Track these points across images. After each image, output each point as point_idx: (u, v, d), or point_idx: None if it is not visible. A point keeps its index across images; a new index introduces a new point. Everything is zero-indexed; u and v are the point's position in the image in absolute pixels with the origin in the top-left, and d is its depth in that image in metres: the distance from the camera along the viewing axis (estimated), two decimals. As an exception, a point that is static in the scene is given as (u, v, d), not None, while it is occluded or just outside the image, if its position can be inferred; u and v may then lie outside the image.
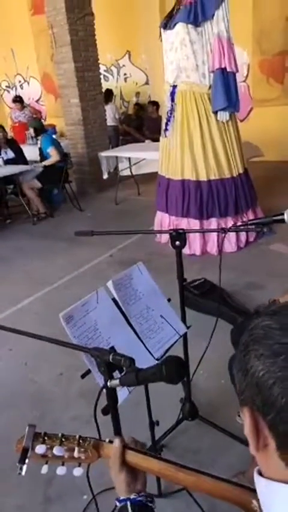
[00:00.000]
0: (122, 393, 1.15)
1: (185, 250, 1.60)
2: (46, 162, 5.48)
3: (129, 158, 5.93)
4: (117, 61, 8.48)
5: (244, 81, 7.10)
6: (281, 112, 6.77)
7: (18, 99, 7.73)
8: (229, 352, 1.76)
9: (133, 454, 0.79)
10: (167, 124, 3.86)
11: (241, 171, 3.91)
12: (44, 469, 0.79)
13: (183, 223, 3.94)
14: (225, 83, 3.51)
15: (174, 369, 0.78)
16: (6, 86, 10.42)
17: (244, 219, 3.98)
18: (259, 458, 0.52)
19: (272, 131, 6.54)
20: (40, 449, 0.79)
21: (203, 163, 3.75)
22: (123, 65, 8.49)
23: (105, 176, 6.02)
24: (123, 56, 8.37)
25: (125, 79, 8.62)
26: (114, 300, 1.33)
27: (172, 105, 3.75)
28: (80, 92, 5.93)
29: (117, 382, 0.86)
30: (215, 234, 3.86)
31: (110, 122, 7.04)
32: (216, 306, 2.76)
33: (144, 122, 7.92)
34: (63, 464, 0.81)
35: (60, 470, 0.79)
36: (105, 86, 6.90)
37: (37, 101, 9.75)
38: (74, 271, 3.87)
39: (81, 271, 3.88)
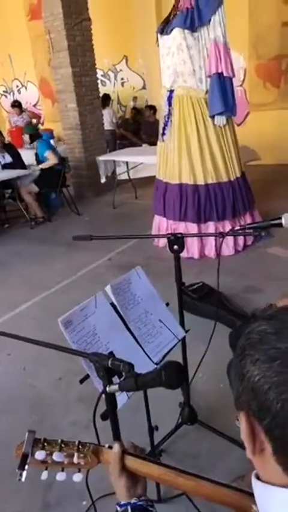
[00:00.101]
0: (121, 398, 1.15)
1: (183, 254, 1.60)
2: (43, 165, 5.49)
3: (126, 162, 5.95)
4: (115, 66, 8.52)
5: (241, 85, 7.15)
6: (277, 116, 6.81)
7: (16, 104, 7.76)
8: (227, 356, 1.76)
9: (132, 459, 0.79)
10: (164, 128, 3.88)
11: (238, 174, 3.93)
12: (44, 475, 0.79)
13: (181, 227, 3.95)
14: (222, 88, 3.53)
15: (174, 374, 0.78)
16: (3, 91, 10.46)
17: (242, 223, 3.99)
18: (256, 463, 0.52)
19: (269, 135, 6.58)
20: (40, 455, 0.78)
21: (201, 167, 3.77)
22: (121, 70, 8.53)
23: (102, 180, 6.03)
24: (120, 60, 8.42)
25: (122, 84, 8.65)
26: (112, 304, 1.33)
27: (169, 110, 3.77)
28: (77, 97, 5.96)
29: (116, 387, 0.86)
30: (212, 238, 3.87)
31: (107, 126, 7.07)
32: (214, 310, 2.76)
33: (141, 126, 7.96)
34: (63, 470, 0.80)
35: (60, 476, 0.79)
36: (102, 90, 6.93)
37: (34, 106, 9.78)
38: (72, 275, 3.87)
39: (79, 275, 3.88)
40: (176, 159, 3.84)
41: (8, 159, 5.56)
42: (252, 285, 3.28)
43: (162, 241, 4.09)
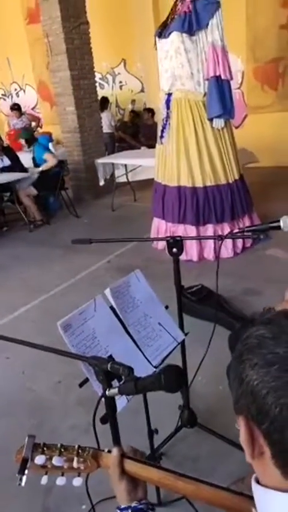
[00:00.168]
0: (121, 402, 1.15)
1: (182, 256, 1.61)
2: (43, 167, 5.49)
3: (125, 165, 5.96)
4: (113, 69, 8.55)
5: (238, 88, 7.17)
6: (275, 118, 6.83)
7: (16, 107, 7.76)
8: (227, 358, 1.74)
9: (132, 463, 0.79)
10: (162, 131, 3.89)
11: (237, 177, 3.94)
12: (44, 479, 0.79)
13: (180, 229, 3.95)
14: (220, 91, 3.54)
15: (173, 377, 0.78)
16: (2, 94, 10.48)
17: (240, 225, 4.00)
18: (255, 466, 0.52)
19: (267, 137, 6.60)
20: (39, 459, 0.78)
21: (199, 169, 3.78)
22: (119, 73, 8.55)
23: (101, 183, 6.03)
24: (118, 64, 8.44)
25: (121, 87, 8.68)
26: (112, 307, 1.33)
27: (167, 113, 3.78)
28: (75, 100, 5.97)
29: (115, 391, 0.86)
30: (211, 240, 3.88)
31: (105, 129, 7.09)
32: (213, 312, 2.76)
33: (139, 129, 7.98)
34: (62, 475, 0.80)
35: (60, 481, 0.79)
36: (100, 93, 6.95)
37: (33, 109, 9.80)
38: (71, 278, 3.86)
39: (78, 278, 3.88)
40: (174, 162, 3.85)
41: (7, 162, 5.56)
42: (252, 287, 3.28)
43: (161, 244, 4.10)
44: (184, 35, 3.47)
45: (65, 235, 4.91)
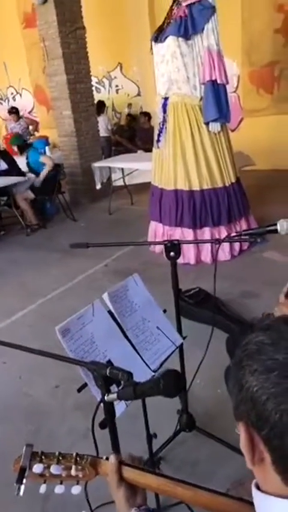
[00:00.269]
0: (120, 407, 1.14)
1: (180, 260, 1.61)
2: (44, 173, 5.46)
3: (122, 168, 5.97)
4: (109, 73, 8.58)
5: (234, 91, 7.21)
6: (271, 122, 6.87)
7: (14, 111, 7.76)
8: (225, 361, 1.76)
9: (130, 470, 0.78)
10: (159, 135, 3.90)
11: (233, 180, 3.95)
12: (42, 488, 0.79)
13: (177, 232, 3.96)
14: (216, 95, 3.56)
15: (172, 382, 0.78)
16: (-2, 98, 10.50)
17: (237, 228, 4.01)
18: (256, 472, 0.52)
19: (263, 141, 6.63)
20: (38, 468, 0.78)
21: (196, 173, 3.79)
22: (115, 77, 8.58)
23: (98, 186, 6.04)
24: (114, 68, 8.47)
25: (117, 91, 8.71)
26: (110, 312, 1.33)
27: (164, 117, 3.79)
28: (72, 104, 5.98)
29: (114, 396, 0.86)
30: (208, 243, 3.88)
31: (102, 132, 7.10)
32: (211, 315, 2.76)
33: (136, 133, 8.00)
34: (61, 483, 0.80)
35: (59, 489, 0.79)
36: (97, 97, 6.97)
37: (29, 113, 9.81)
38: (68, 282, 3.86)
39: (75, 282, 3.87)
40: (171, 165, 3.86)
41: (4, 166, 5.56)
42: (249, 290, 3.28)
43: (159, 247, 4.10)
44: (180, 39, 3.49)
45: (62, 239, 4.91)
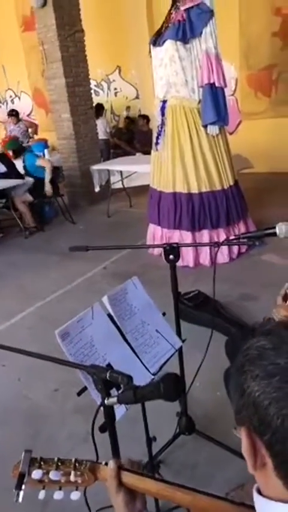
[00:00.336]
0: (120, 410, 1.14)
1: (178, 262, 1.61)
2: (48, 176, 5.42)
3: (120, 171, 5.98)
4: (108, 76, 8.60)
5: (232, 94, 7.24)
6: (268, 125, 6.89)
7: (14, 113, 7.76)
8: (224, 364, 1.76)
9: (129, 475, 0.78)
10: (158, 138, 3.91)
11: (232, 183, 3.97)
12: (41, 494, 0.79)
13: (176, 235, 3.96)
14: (214, 98, 3.58)
15: (172, 386, 0.78)
16: (-3, 101, 10.51)
17: (236, 231, 4.02)
18: (257, 477, 0.52)
19: (260, 144, 6.66)
20: (37, 474, 0.78)
21: (194, 176, 3.80)
22: (114, 80, 8.61)
23: (97, 189, 6.05)
24: (113, 71, 8.50)
25: (116, 93, 8.73)
26: (109, 315, 1.33)
27: (162, 120, 3.81)
28: (71, 107, 6.00)
29: (114, 400, 0.86)
30: (207, 246, 3.89)
31: (101, 135, 7.12)
32: (210, 318, 2.76)
33: (134, 135, 8.02)
34: (60, 489, 0.80)
35: (58, 495, 0.79)
36: (95, 100, 6.98)
37: (28, 116, 9.82)
38: (67, 284, 3.85)
39: (74, 284, 3.87)
40: (169, 168, 3.87)
41: (2, 168, 5.56)
42: (248, 293, 3.29)
43: (157, 250, 4.11)
44: (178, 43, 3.50)
45: (61, 242, 4.91)
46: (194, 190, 3.84)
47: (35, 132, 8.09)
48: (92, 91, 6.50)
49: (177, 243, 1.60)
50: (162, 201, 4.03)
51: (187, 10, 3.48)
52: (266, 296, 3.10)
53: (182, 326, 1.71)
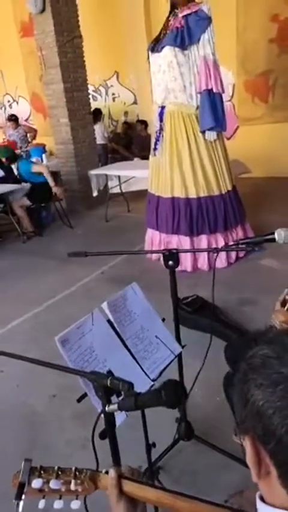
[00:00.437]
0: (120, 416, 1.14)
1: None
2: (50, 180, 5.40)
3: (118, 176, 5.99)
4: (106, 81, 8.64)
5: (230, 100, 7.29)
6: (266, 130, 6.94)
7: (13, 118, 7.77)
8: (223, 369, 1.76)
9: (130, 483, 0.78)
10: (156, 143, 3.93)
11: (229, 188, 3.98)
12: (41, 503, 0.78)
13: (174, 240, 3.97)
14: (212, 104, 3.60)
15: (174, 393, 0.78)
16: (-5, 106, 10.54)
17: (234, 235, 4.03)
18: (261, 486, 0.52)
19: (258, 149, 6.69)
20: (37, 483, 0.77)
21: (192, 181, 3.81)
22: (112, 85, 8.65)
23: (95, 194, 6.06)
24: (111, 76, 8.54)
25: (113, 99, 8.76)
26: (109, 321, 1.33)
27: (161, 125, 3.83)
28: (69, 112, 6.02)
29: (115, 407, 0.86)
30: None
31: (99, 140, 7.14)
32: (208, 323, 2.76)
33: (132, 140, 8.05)
34: (60, 498, 0.79)
35: (58, 504, 0.78)
36: (93, 105, 7.01)
37: (26, 120, 9.84)
38: (65, 289, 3.85)
39: (72, 289, 3.86)
40: (168, 173, 3.89)
41: (0, 173, 5.56)
42: (247, 298, 3.29)
43: (156, 254, 4.11)
44: (177, 49, 3.53)
45: (59, 247, 4.91)
46: (192, 195, 3.85)
47: (34, 138, 8.10)
48: (90, 96, 6.53)
49: (176, 249, 1.60)
50: (161, 206, 4.04)
51: (185, 17, 3.51)
52: (264, 301, 3.10)
53: (180, 331, 1.71)
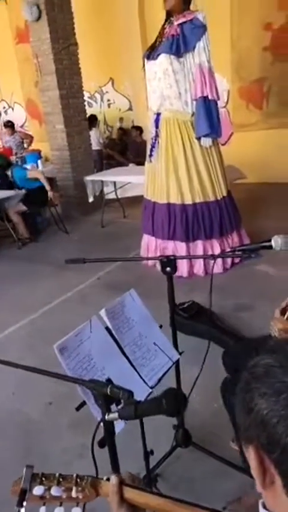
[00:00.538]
0: (119, 424, 1.13)
1: (173, 273, 1.62)
2: (46, 184, 5.40)
3: (114, 182, 6.00)
4: (101, 88, 8.69)
5: (224, 107, 7.35)
6: (260, 136, 7.01)
7: (9, 124, 7.77)
8: (220, 375, 1.76)
9: (131, 490, 0.78)
10: (151, 149, 3.95)
11: (225, 194, 4.00)
12: (42, 510, 0.78)
13: (170, 245, 3.98)
14: (208, 111, 3.63)
15: (174, 401, 0.78)
16: (-10, 112, 10.54)
17: (229, 241, 4.05)
18: (266, 495, 0.52)
19: (252, 154, 6.75)
20: (38, 490, 0.77)
21: (188, 187, 3.84)
22: (107, 92, 8.70)
23: (90, 200, 6.06)
24: (106, 83, 8.59)
25: (109, 105, 8.81)
26: (107, 328, 1.33)
27: (156, 132, 3.85)
28: (65, 118, 6.04)
29: (116, 415, 0.86)
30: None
31: (94, 146, 7.16)
32: (205, 328, 2.77)
33: (128, 146, 8.08)
34: (61, 505, 0.79)
35: (58, 511, 0.78)
36: (89, 111, 7.04)
37: (21, 126, 9.86)
38: (61, 295, 3.83)
39: (68, 295, 3.85)
40: (163, 179, 3.90)
41: (-5, 179, 5.55)
42: (243, 303, 3.30)
43: (151, 260, 4.11)
44: (172, 56, 3.56)
45: (55, 253, 4.90)
46: (188, 201, 3.87)
47: (30, 144, 8.09)
48: (86, 103, 6.56)
49: (174, 255, 1.61)
50: (157, 211, 4.06)
51: (181, 25, 3.54)
52: (261, 307, 3.12)
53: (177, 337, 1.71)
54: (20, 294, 4.01)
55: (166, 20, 3.70)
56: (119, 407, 0.91)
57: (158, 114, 3.80)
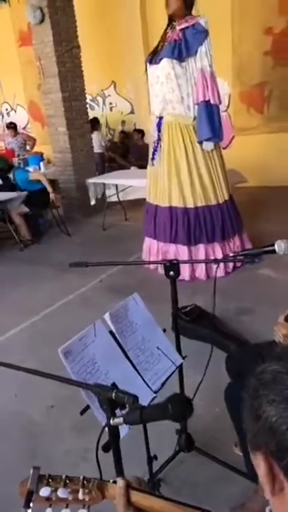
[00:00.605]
0: (123, 429, 1.14)
1: (174, 276, 1.62)
2: (47, 186, 5.40)
3: (116, 185, 6.02)
4: (103, 91, 8.72)
5: (225, 110, 7.37)
6: (261, 140, 7.02)
7: (12, 126, 7.79)
8: (223, 380, 1.76)
9: (137, 494, 0.78)
10: (154, 153, 3.96)
11: (226, 197, 4.01)
12: None
13: (172, 249, 3.99)
14: (209, 115, 3.64)
15: (180, 407, 0.78)
16: (-8, 114, 10.57)
17: (231, 245, 4.05)
18: (274, 502, 0.52)
19: (253, 158, 6.76)
20: (45, 491, 0.77)
21: (190, 190, 3.84)
22: (109, 95, 8.73)
23: (92, 202, 6.08)
24: (108, 86, 8.62)
25: (111, 108, 8.84)
26: (111, 332, 1.34)
27: (159, 135, 3.86)
28: (67, 121, 6.06)
29: (121, 420, 0.86)
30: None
31: (96, 149, 7.19)
32: (207, 332, 2.77)
33: (129, 149, 8.10)
34: (67, 507, 0.79)
35: None
36: (91, 114, 7.06)
37: (24, 129, 9.88)
38: (63, 298, 3.84)
39: (70, 298, 3.85)
40: (166, 183, 3.91)
41: (-2, 181, 5.57)
42: (245, 307, 3.30)
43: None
44: (174, 61, 3.58)
45: (57, 255, 4.91)
46: (190, 204, 3.88)
47: (33, 147, 8.10)
48: (88, 105, 6.58)
49: (177, 260, 1.61)
50: (159, 215, 4.06)
51: (183, 30, 3.56)
52: (263, 310, 3.12)
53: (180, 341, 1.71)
54: (22, 296, 4.01)
55: (168, 25, 3.72)
56: (124, 411, 0.91)
57: (160, 118, 3.82)
